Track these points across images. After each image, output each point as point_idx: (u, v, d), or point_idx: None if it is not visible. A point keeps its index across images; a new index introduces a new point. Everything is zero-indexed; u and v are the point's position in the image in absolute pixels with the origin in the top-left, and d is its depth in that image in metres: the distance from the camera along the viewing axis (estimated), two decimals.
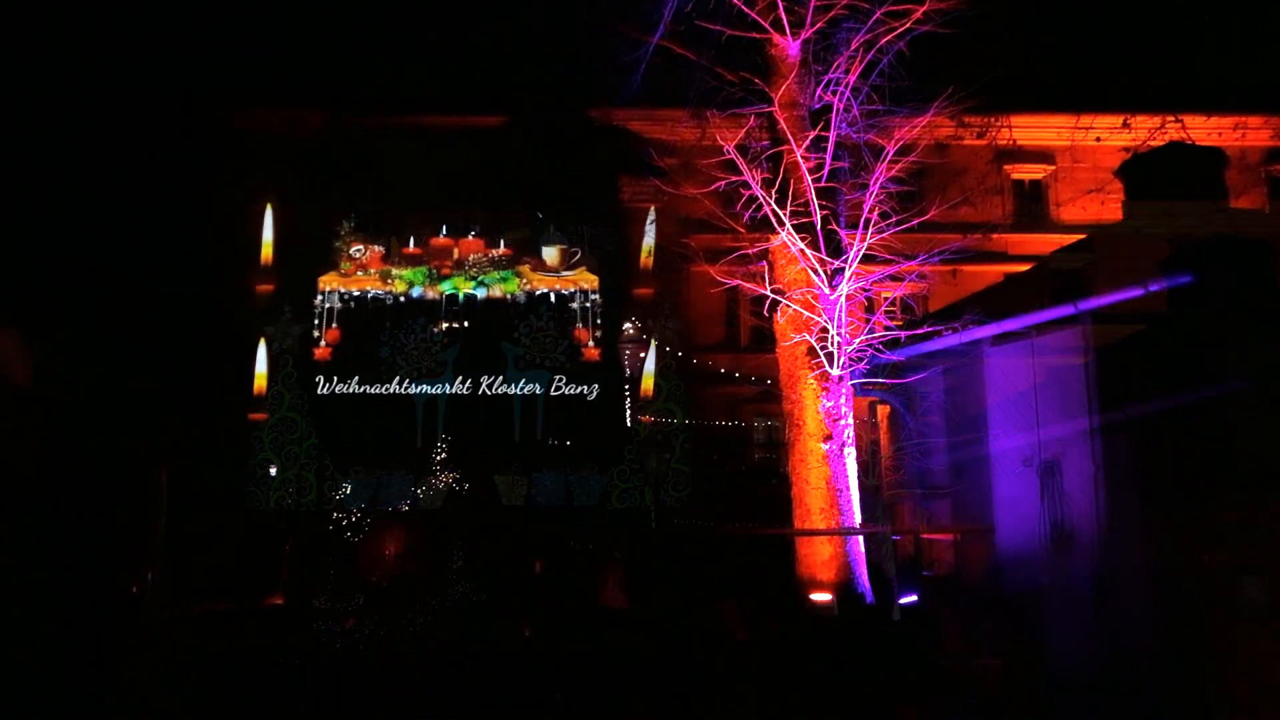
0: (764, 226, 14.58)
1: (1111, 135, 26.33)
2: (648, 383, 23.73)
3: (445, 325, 24.80)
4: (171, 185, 24.68)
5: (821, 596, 13.29)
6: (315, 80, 26.38)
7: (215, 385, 23.04)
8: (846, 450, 14.21)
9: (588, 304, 25.12)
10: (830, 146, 14.19)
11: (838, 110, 14.35)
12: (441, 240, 25.37)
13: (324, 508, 19.45)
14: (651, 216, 25.09)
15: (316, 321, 24.46)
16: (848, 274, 13.98)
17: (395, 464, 20.82)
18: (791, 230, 13.97)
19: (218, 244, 25.24)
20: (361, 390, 23.29)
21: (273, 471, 21.27)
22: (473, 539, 17.88)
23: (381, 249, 25.06)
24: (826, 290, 13.97)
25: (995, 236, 24.59)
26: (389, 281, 24.88)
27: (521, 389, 23.46)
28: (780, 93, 14.34)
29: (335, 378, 23.38)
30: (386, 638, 13.16)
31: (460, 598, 15.60)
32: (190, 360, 22.60)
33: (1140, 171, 16.01)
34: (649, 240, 25.30)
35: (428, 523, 18.98)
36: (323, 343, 24.27)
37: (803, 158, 13.98)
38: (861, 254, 14.05)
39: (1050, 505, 13.11)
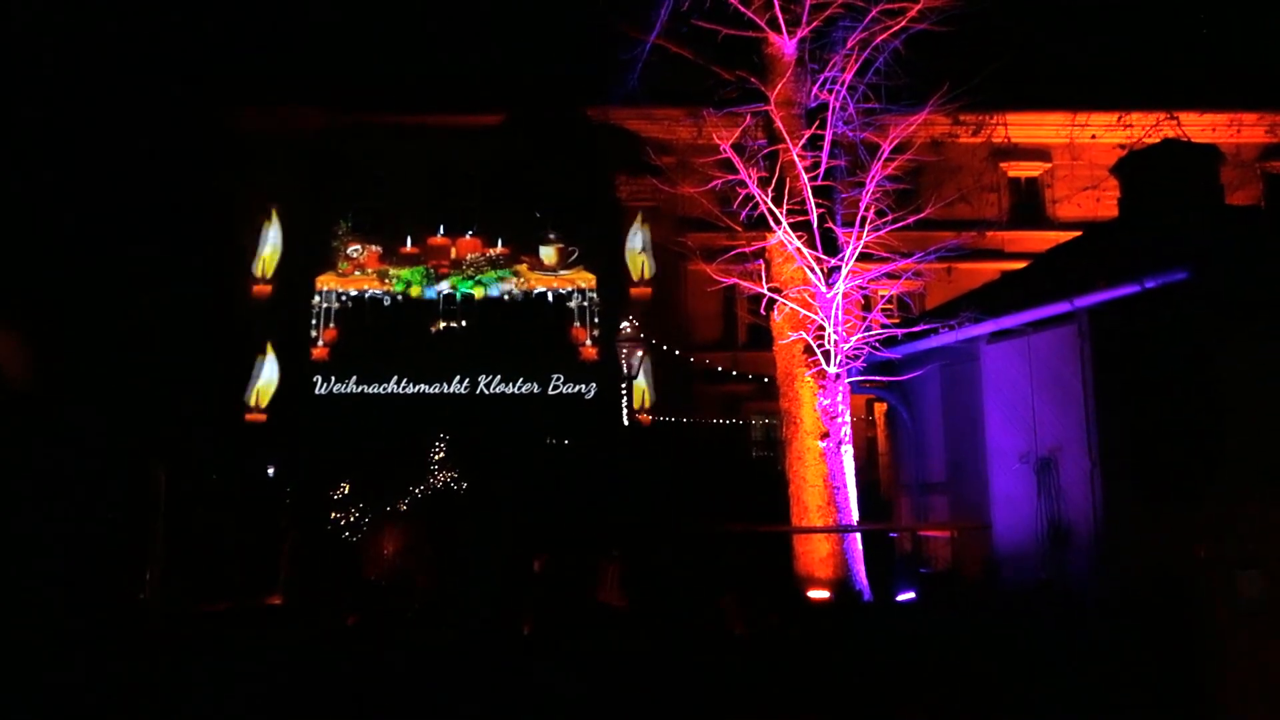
0: (760, 225, 14.62)
1: (1107, 132, 26.42)
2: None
3: (443, 324, 24.87)
4: (171, 185, 24.70)
5: (819, 594, 13.34)
6: (313, 80, 26.38)
7: (215, 385, 23.08)
8: (844, 448, 14.26)
9: (585, 303, 25.19)
10: (826, 145, 14.22)
11: (834, 108, 14.39)
12: (439, 239, 25.42)
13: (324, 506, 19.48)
14: (636, 228, 25.09)
15: (314, 321, 24.53)
16: (844, 272, 14.02)
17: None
18: (788, 229, 14.01)
19: (217, 244, 25.26)
20: (359, 390, 23.35)
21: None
22: (472, 537, 17.90)
23: (379, 248, 25.11)
24: (823, 288, 14.01)
25: (992, 234, 24.68)
26: (386, 281, 24.92)
27: (519, 388, 23.54)
28: (776, 91, 14.39)
29: (333, 377, 23.44)
30: (386, 636, 13.18)
31: (459, 595, 15.64)
32: (190, 360, 22.62)
33: (1135, 168, 16.04)
34: (633, 246, 25.31)
35: (426, 521, 19.01)
36: (320, 342, 24.32)
37: (799, 156, 14.02)
38: (858, 252, 14.09)
39: (1047, 501, 13.16)
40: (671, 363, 24.69)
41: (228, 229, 25.46)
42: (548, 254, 25.37)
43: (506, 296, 25.14)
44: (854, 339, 14.22)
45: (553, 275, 25.27)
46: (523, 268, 25.24)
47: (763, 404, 24.58)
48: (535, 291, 25.28)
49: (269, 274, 25.24)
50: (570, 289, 25.28)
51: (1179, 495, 11.56)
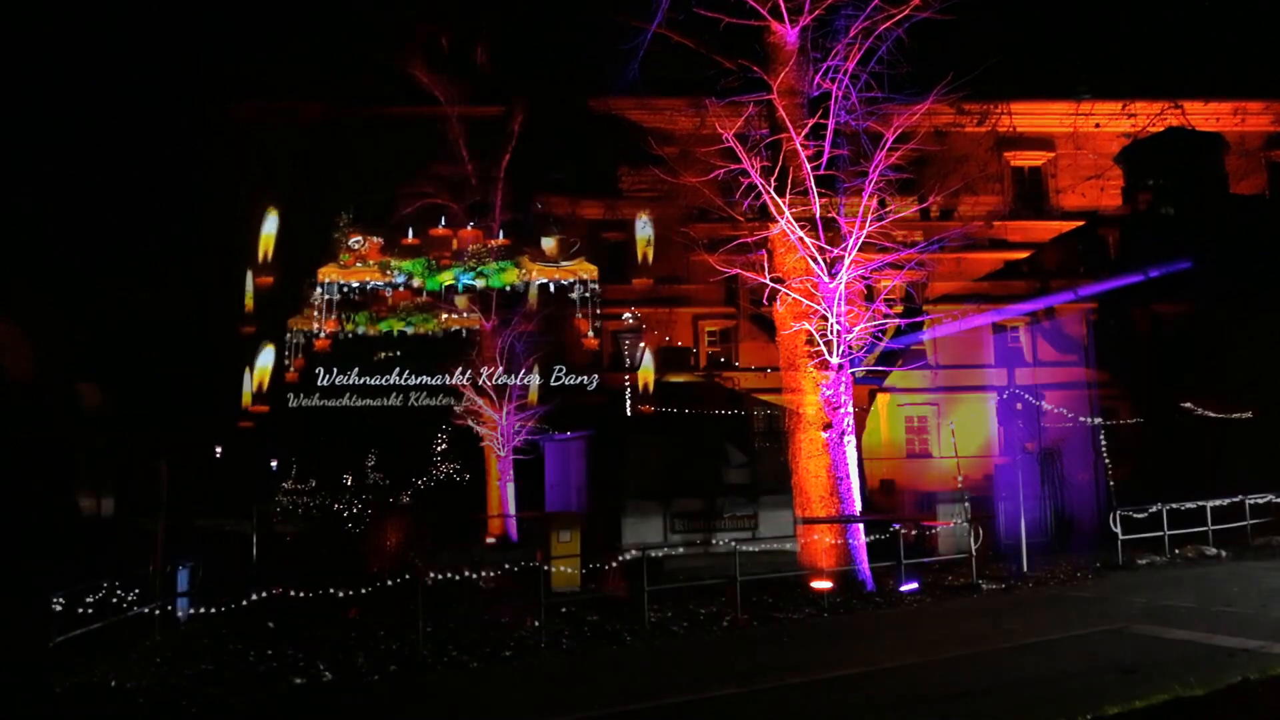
0: (763, 215, 14.56)
1: (1111, 121, 26.30)
2: (646, 374, 23.76)
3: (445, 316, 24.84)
4: (170, 182, 24.68)
5: (822, 584, 13.31)
6: (312, 73, 26.31)
7: (217, 378, 23.07)
8: (846, 438, 14.22)
9: (587, 294, 25.15)
10: (829, 134, 14.15)
11: (837, 98, 14.30)
12: (440, 231, 25.37)
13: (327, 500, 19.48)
14: (644, 219, 25.06)
15: (316, 313, 24.50)
16: (847, 262, 13.96)
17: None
18: (790, 218, 13.95)
19: (219, 236, 25.25)
20: (362, 381, 23.34)
21: None
22: (474, 530, 17.89)
23: (380, 240, 25.06)
24: (826, 278, 13.95)
25: (995, 223, 24.60)
26: (388, 273, 24.88)
27: (522, 380, 23.52)
28: (779, 80, 14.31)
29: (335, 369, 23.43)
30: (388, 629, 13.14)
31: (461, 588, 15.59)
32: (192, 353, 22.62)
33: (1140, 157, 15.98)
34: (643, 233, 25.29)
35: (430, 512, 19.01)
36: (322, 334, 24.30)
37: (802, 145, 13.95)
38: (860, 242, 14.03)
39: (1051, 491, 13.14)
40: (674, 353, 24.66)
41: (229, 221, 25.41)
42: (549, 245, 25.30)
43: (508, 288, 25.09)
44: (856, 329, 14.17)
45: (554, 266, 25.20)
46: (524, 259, 25.17)
47: (766, 395, 24.54)
48: (537, 282, 25.23)
49: (270, 266, 25.19)
50: (572, 280, 25.23)
51: (1183, 485, 11.53)
